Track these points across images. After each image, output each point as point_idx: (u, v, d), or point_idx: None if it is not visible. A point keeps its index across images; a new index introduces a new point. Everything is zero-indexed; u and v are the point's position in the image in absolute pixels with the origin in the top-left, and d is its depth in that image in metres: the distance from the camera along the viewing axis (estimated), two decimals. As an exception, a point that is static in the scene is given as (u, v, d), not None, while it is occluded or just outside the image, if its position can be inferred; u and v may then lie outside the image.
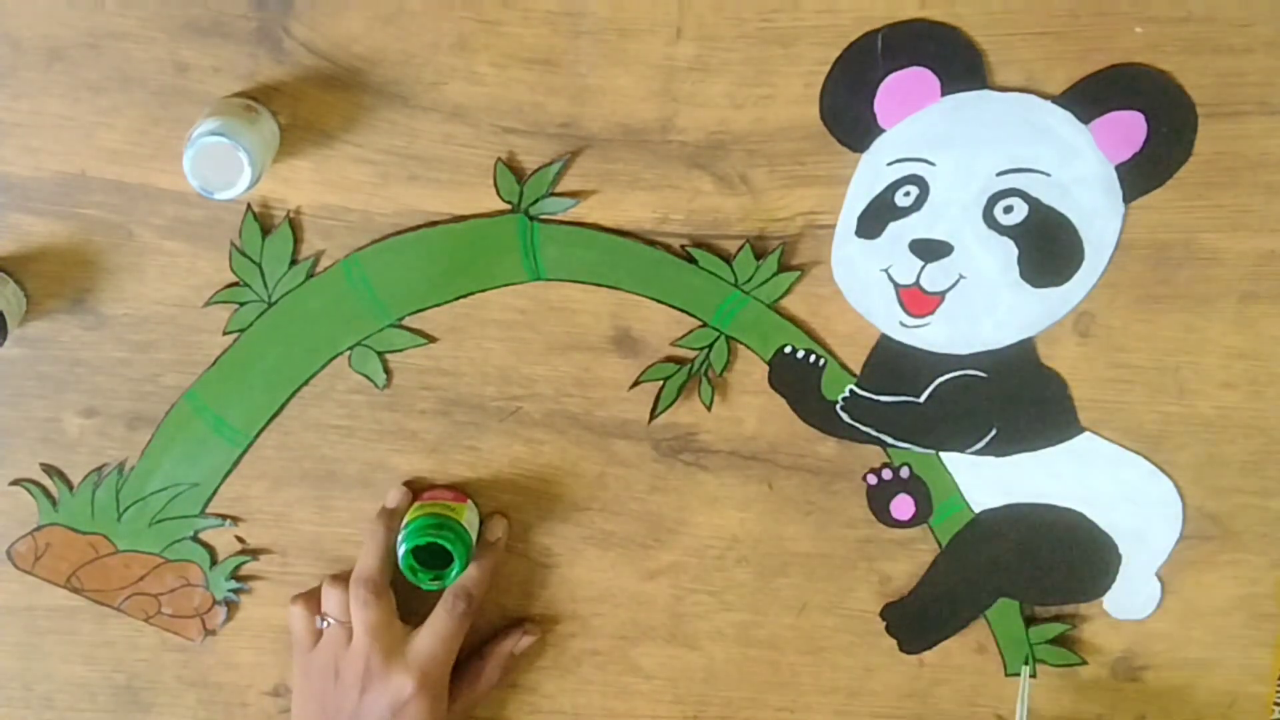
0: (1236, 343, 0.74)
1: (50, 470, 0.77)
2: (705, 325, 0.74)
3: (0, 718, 0.82)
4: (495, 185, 0.72)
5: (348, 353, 0.75)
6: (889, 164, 0.71)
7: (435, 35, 0.69)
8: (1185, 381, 0.75)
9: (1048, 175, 0.70)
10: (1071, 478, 0.77)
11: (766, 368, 0.75)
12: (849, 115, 0.70)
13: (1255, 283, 0.73)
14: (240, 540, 0.79)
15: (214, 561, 0.79)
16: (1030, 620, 0.80)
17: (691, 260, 0.73)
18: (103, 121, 0.70)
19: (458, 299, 0.74)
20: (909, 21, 0.68)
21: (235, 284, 0.74)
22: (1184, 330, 0.74)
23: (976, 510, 0.78)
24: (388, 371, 0.76)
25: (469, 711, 0.80)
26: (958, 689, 0.82)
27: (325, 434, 0.77)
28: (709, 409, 0.76)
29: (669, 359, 0.75)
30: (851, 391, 0.75)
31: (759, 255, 0.73)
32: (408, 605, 0.77)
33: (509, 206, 0.72)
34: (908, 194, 0.71)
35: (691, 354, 0.75)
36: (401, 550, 0.74)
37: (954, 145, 0.70)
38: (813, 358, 0.75)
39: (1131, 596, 0.79)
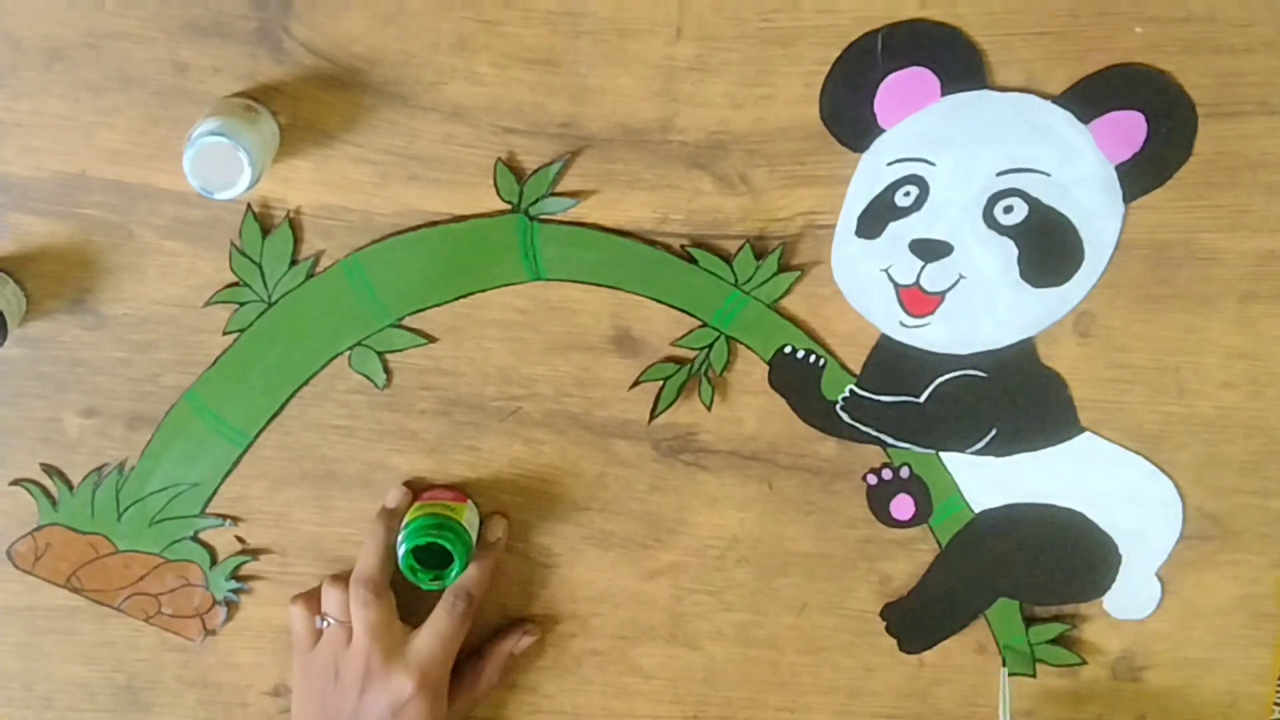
0: (1236, 343, 0.74)
1: (50, 470, 0.77)
2: (705, 325, 0.74)
3: (0, 717, 0.82)
4: (495, 185, 0.72)
5: (348, 353, 0.75)
6: (889, 164, 0.71)
7: (435, 35, 0.69)
8: (1185, 381, 0.75)
9: (1048, 175, 0.70)
10: (1071, 478, 0.77)
11: (766, 368, 0.75)
12: (849, 115, 0.70)
13: (1255, 283, 0.73)
14: (240, 540, 0.79)
15: (214, 561, 0.79)
16: (1030, 620, 0.80)
17: (691, 260, 0.73)
18: (103, 121, 0.70)
19: (458, 299, 0.74)
20: (909, 21, 0.68)
21: (235, 284, 0.74)
22: (1184, 330, 0.74)
23: (976, 510, 0.78)
24: (388, 371, 0.76)
25: (469, 711, 0.80)
26: (958, 689, 0.82)
27: (325, 434, 0.77)
28: (709, 409, 0.76)
29: (669, 359, 0.75)
30: (851, 391, 0.75)
31: (759, 255, 0.73)
32: (408, 605, 0.77)
33: (509, 206, 0.72)
34: (908, 194, 0.71)
35: (691, 354, 0.75)
36: (401, 550, 0.74)
37: (954, 145, 0.70)
38: (813, 358, 0.75)
39: (1131, 596, 0.79)
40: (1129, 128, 0.69)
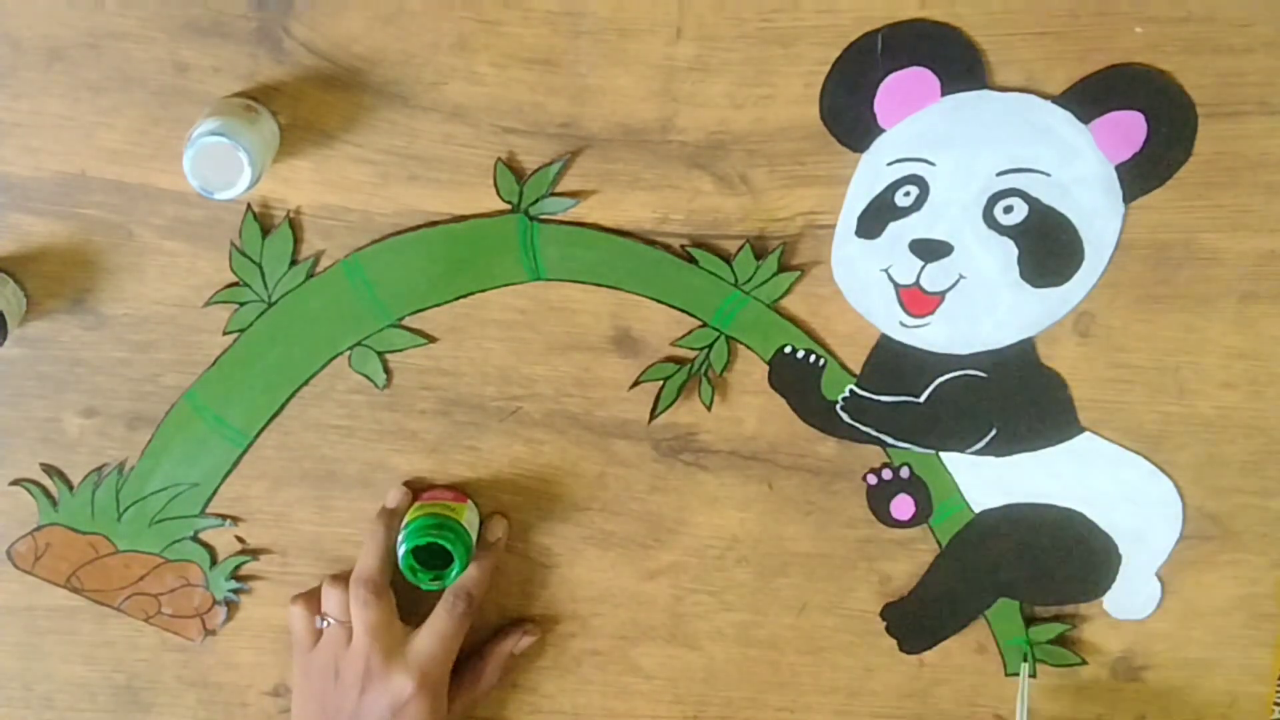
0: (1236, 343, 0.74)
1: (50, 470, 0.77)
2: (705, 325, 0.74)
3: (0, 718, 0.82)
4: (495, 185, 0.72)
5: (348, 353, 0.75)
6: (889, 164, 0.71)
7: (435, 35, 0.69)
8: (1185, 381, 0.75)
9: (1048, 175, 0.70)
10: (1071, 478, 0.77)
11: (766, 368, 0.75)
12: (849, 115, 0.70)
13: (1255, 283, 0.73)
14: (240, 540, 0.79)
15: (214, 561, 0.79)
16: (1030, 620, 0.80)
17: (691, 260, 0.73)
18: (103, 121, 0.70)
19: (458, 299, 0.74)
20: (909, 21, 0.68)
21: (235, 284, 0.74)
22: (1184, 330, 0.74)
23: (976, 510, 0.78)
24: (388, 371, 0.76)
25: (469, 711, 0.80)
26: (958, 689, 0.82)
27: (325, 434, 0.77)
28: (709, 409, 0.76)
29: (669, 359, 0.75)
30: (851, 391, 0.75)
31: (759, 255, 0.73)
32: (408, 605, 0.77)
33: (509, 206, 0.72)
34: (908, 194, 0.71)
35: (691, 354, 0.75)
36: (401, 550, 0.74)
37: (954, 145, 0.70)
38: (813, 358, 0.75)
39: (1131, 596, 0.79)
40: (1129, 128, 0.69)
